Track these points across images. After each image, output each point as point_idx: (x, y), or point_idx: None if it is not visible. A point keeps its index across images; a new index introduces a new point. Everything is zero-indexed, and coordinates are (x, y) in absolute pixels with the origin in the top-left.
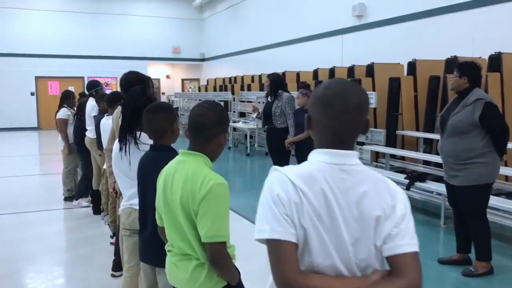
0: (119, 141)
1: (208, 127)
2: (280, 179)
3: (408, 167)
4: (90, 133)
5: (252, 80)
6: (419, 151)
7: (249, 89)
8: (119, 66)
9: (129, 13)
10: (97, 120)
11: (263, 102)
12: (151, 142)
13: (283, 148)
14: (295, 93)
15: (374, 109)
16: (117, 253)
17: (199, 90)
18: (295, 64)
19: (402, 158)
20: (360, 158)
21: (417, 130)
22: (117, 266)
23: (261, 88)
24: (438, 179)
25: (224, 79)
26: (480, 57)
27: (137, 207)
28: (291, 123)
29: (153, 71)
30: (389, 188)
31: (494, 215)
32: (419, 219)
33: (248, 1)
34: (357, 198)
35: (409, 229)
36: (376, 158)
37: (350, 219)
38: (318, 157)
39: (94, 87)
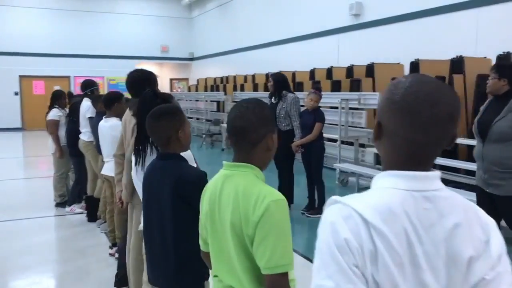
0: (135, 154)
1: (251, 130)
2: (347, 216)
3: None
4: (84, 136)
5: (245, 80)
6: None
7: (242, 89)
8: (106, 66)
9: (116, 11)
10: (95, 122)
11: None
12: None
13: (288, 152)
14: (299, 94)
15: (375, 110)
16: (121, 266)
17: (189, 90)
18: (290, 64)
19: None
20: (362, 161)
21: None
22: (120, 281)
23: (255, 88)
24: (457, 185)
25: (215, 79)
26: (485, 57)
27: None
28: (297, 125)
29: None
30: (480, 218)
31: None
32: None
33: (239, 0)
34: (446, 234)
35: (507, 272)
36: (379, 161)
37: (437, 262)
38: (392, 182)
39: (89, 86)
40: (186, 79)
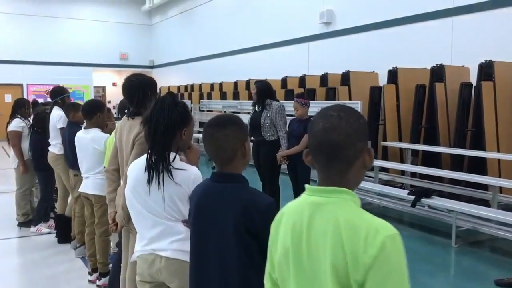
0: (147, 170)
1: (346, 145)
2: None
3: (396, 180)
4: (54, 148)
5: (212, 88)
6: (406, 162)
7: (209, 97)
8: (61, 73)
9: (72, 16)
10: (68, 133)
11: (249, 112)
12: (188, 166)
13: (273, 163)
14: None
15: None
16: None
17: None
18: (259, 72)
19: (385, 169)
20: None
21: (400, 140)
22: None
23: (223, 97)
24: (441, 194)
25: (179, 87)
26: (463, 66)
27: (164, 254)
28: (282, 134)
29: (98, 78)
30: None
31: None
32: (428, 239)
33: (203, 7)
34: None
35: None
36: None
37: None
38: None
39: (59, 94)
40: None
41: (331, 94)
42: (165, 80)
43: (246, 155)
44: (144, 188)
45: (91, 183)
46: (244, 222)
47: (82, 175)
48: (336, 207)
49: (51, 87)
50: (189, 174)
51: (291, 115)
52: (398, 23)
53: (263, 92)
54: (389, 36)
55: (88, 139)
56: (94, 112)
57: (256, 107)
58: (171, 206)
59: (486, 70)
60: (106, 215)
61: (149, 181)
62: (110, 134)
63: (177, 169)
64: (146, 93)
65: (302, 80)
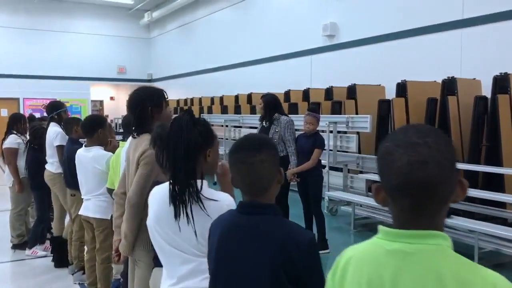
0: (172, 202)
1: (442, 182)
2: None
3: None
4: (51, 167)
5: (212, 102)
6: None
7: (209, 111)
8: (58, 87)
9: (69, 30)
10: (67, 150)
11: (251, 127)
12: (219, 195)
13: (285, 180)
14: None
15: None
16: None
17: None
18: (260, 85)
19: None
20: (351, 187)
21: None
22: None
23: (224, 111)
24: (454, 212)
25: (178, 101)
26: (474, 78)
27: None
28: (292, 151)
29: (96, 92)
30: None
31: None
32: None
33: (202, 20)
34: None
35: None
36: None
37: None
38: None
39: (55, 108)
40: None
41: (337, 107)
42: None
43: (281, 181)
44: (169, 223)
45: (92, 206)
46: (283, 263)
47: (82, 197)
48: (435, 257)
49: (48, 101)
50: (221, 205)
51: (297, 130)
52: (404, 36)
53: (270, 105)
54: (394, 48)
55: (89, 158)
56: (95, 129)
57: (264, 122)
58: (202, 242)
59: (501, 83)
60: (109, 240)
61: (177, 215)
62: (114, 152)
63: (208, 199)
64: (145, 107)
65: (305, 93)
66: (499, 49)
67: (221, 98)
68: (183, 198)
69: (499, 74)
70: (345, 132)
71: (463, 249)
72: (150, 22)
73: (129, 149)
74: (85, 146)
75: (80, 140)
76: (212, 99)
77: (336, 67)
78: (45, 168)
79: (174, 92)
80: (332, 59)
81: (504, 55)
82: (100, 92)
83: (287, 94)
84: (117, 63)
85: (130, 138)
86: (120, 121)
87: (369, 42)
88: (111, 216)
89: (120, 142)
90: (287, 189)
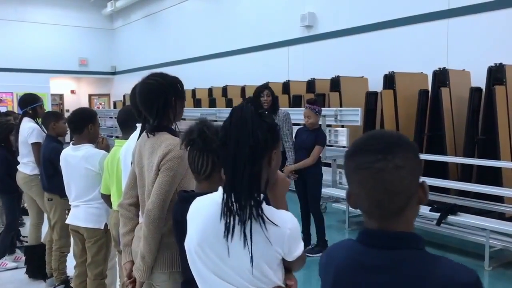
0: (225, 218)
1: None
2: None
3: None
4: (26, 168)
5: None
6: None
7: None
8: (15, 80)
9: (27, 19)
10: (44, 148)
11: None
12: (279, 215)
13: None
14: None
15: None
16: None
17: (115, 106)
18: (234, 78)
19: None
20: (340, 183)
21: None
22: None
23: (197, 104)
24: (467, 210)
25: None
26: (464, 69)
27: None
28: (289, 146)
29: (55, 85)
30: None
31: None
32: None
33: (170, 10)
34: None
35: None
36: None
37: None
38: None
39: (30, 103)
40: (108, 95)
41: (320, 100)
42: (129, 87)
43: (423, 200)
44: (217, 246)
45: (83, 213)
46: None
47: (70, 203)
48: None
49: (2, 95)
50: (283, 233)
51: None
52: (386, 26)
53: (274, 96)
54: (376, 39)
55: (79, 157)
56: (85, 124)
57: None
58: (258, 276)
59: (496, 74)
60: (102, 252)
61: (229, 234)
62: (108, 151)
63: (268, 220)
64: (169, 99)
65: (285, 86)
66: (486, 39)
67: (193, 91)
68: (244, 214)
69: (493, 65)
70: (329, 126)
71: (470, 247)
72: (114, 12)
73: (142, 151)
74: (73, 144)
75: (59, 138)
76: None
77: (314, 59)
78: (15, 169)
79: None
80: (310, 51)
81: (492, 45)
82: (60, 85)
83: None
84: (79, 55)
85: (142, 137)
86: None
87: (349, 33)
88: (105, 225)
89: (116, 140)
90: None
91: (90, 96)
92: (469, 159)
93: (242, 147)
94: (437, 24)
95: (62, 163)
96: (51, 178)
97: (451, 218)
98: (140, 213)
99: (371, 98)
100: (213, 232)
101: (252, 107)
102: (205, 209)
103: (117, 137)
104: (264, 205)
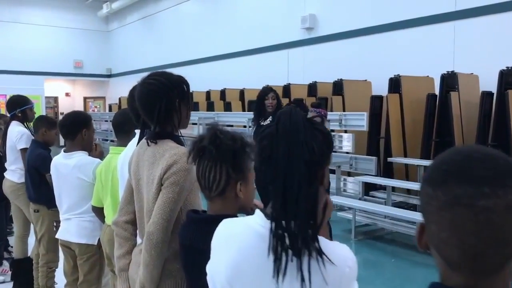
0: (274, 251)
1: None
2: None
3: (410, 201)
4: (13, 175)
5: None
6: (418, 181)
7: None
8: (9, 82)
9: (21, 20)
10: (29, 155)
11: (249, 126)
12: (334, 249)
13: None
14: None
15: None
16: None
17: (110, 110)
18: (233, 81)
19: (382, 188)
20: (344, 191)
21: (405, 156)
22: None
23: (194, 108)
24: None
25: None
26: (472, 73)
27: None
28: None
29: (50, 88)
30: None
31: None
32: None
33: (166, 12)
34: None
35: None
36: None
37: None
38: None
39: (19, 105)
40: (103, 98)
41: (323, 104)
42: (125, 90)
43: None
44: (255, 284)
45: (75, 228)
46: None
47: (61, 216)
48: None
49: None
50: (342, 270)
51: None
52: (390, 29)
53: (279, 100)
54: (379, 42)
55: (71, 166)
56: (78, 129)
57: (267, 120)
58: None
59: (508, 78)
60: (95, 270)
61: (279, 274)
62: (101, 159)
63: (331, 264)
64: (172, 101)
65: (286, 89)
66: (494, 42)
67: (191, 94)
68: (298, 246)
69: (505, 69)
70: (332, 131)
71: None
72: (109, 14)
73: (139, 160)
74: (65, 151)
75: (49, 145)
76: None
77: (315, 62)
78: (3, 177)
79: None
80: (311, 54)
81: (500, 49)
82: (54, 87)
83: None
84: (74, 57)
85: (140, 145)
86: None
87: (351, 35)
88: (99, 240)
89: (112, 147)
90: None
91: (85, 99)
92: None
93: (295, 162)
94: (443, 26)
95: (52, 172)
96: (38, 187)
97: None
98: (138, 232)
99: (376, 102)
100: (250, 268)
101: (302, 112)
102: (240, 239)
103: (112, 141)
104: (319, 238)
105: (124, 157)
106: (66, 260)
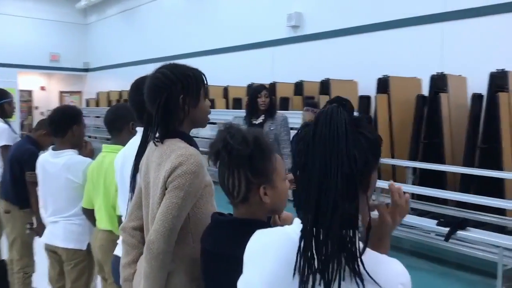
0: (303, 267)
1: None
2: None
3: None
4: None
5: None
6: (407, 182)
7: None
8: None
9: None
10: (16, 149)
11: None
12: (381, 266)
13: None
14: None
15: None
16: None
17: (88, 105)
18: (217, 78)
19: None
20: None
21: (392, 157)
22: None
23: None
24: (476, 225)
25: (121, 93)
26: (460, 75)
27: None
28: (288, 152)
29: (24, 81)
30: None
31: None
32: (467, 279)
33: (147, 6)
34: None
35: None
36: None
37: None
38: None
39: None
40: (80, 92)
41: (318, 104)
42: (104, 84)
43: None
44: None
45: (62, 231)
46: None
47: (46, 219)
48: None
49: None
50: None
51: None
52: (377, 29)
53: (272, 97)
54: (366, 42)
55: (60, 165)
56: (68, 125)
57: (260, 119)
58: None
59: (499, 80)
60: (84, 277)
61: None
62: (92, 157)
63: (368, 276)
64: (175, 95)
65: (272, 87)
66: (482, 44)
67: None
68: (329, 270)
69: (495, 71)
70: None
71: (481, 264)
72: (88, 6)
73: (150, 162)
74: (53, 149)
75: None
76: None
77: (301, 61)
78: None
79: (115, 83)
80: (297, 52)
81: (488, 51)
82: (29, 81)
83: (250, 87)
84: (50, 50)
85: (150, 146)
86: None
87: (338, 35)
88: (88, 245)
89: (105, 145)
90: None
91: (61, 93)
92: (471, 169)
93: (332, 174)
94: (431, 27)
95: (39, 171)
96: (15, 184)
97: (461, 233)
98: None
99: (364, 103)
100: (287, 281)
101: (346, 113)
102: (276, 247)
103: (90, 137)
104: (367, 254)
105: (123, 156)
106: (52, 265)
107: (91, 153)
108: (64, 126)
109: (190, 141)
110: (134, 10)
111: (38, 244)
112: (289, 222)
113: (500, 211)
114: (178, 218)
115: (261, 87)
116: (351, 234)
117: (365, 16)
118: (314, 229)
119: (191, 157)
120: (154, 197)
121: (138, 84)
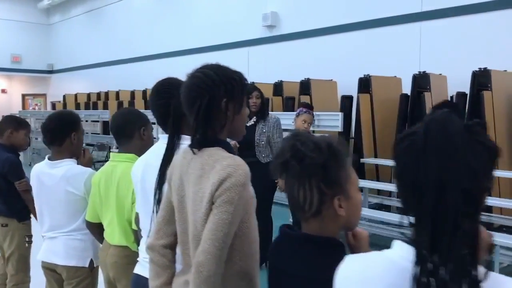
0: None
1: None
2: None
3: (384, 202)
4: None
5: (133, 96)
6: (392, 182)
7: (131, 106)
8: None
9: None
10: (1, 161)
11: None
12: None
13: (270, 191)
14: None
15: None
16: None
17: (54, 108)
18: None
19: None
20: None
21: (375, 156)
22: None
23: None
24: None
25: (89, 95)
26: (440, 74)
27: None
28: None
29: None
30: None
31: None
32: None
33: (114, 6)
34: None
35: None
36: None
37: None
38: None
39: None
40: (44, 95)
41: (289, 104)
42: (69, 87)
43: None
44: None
45: (62, 248)
46: None
47: (43, 234)
48: None
49: None
50: None
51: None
52: (354, 28)
53: (264, 100)
54: (342, 42)
55: (59, 177)
56: (66, 133)
57: (251, 121)
58: None
59: (481, 79)
60: None
61: None
62: (90, 166)
63: None
64: (217, 100)
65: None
66: (460, 44)
67: (144, 92)
68: None
69: (478, 70)
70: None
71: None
72: (51, 6)
73: (184, 173)
74: (49, 158)
75: (17, 150)
76: (133, 92)
77: (278, 61)
78: None
79: (81, 85)
80: (273, 52)
81: (466, 50)
82: None
83: None
84: (11, 51)
85: (182, 154)
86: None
87: (315, 35)
88: (91, 262)
89: (113, 154)
90: (270, 201)
91: (23, 96)
92: None
93: (450, 193)
94: (409, 27)
95: (34, 184)
96: (5, 197)
97: None
98: (181, 259)
99: (347, 102)
100: None
101: (459, 120)
102: (381, 277)
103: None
104: (490, 278)
105: (143, 166)
106: (50, 285)
107: (90, 162)
108: (61, 134)
109: (230, 149)
110: (100, 10)
111: (33, 261)
112: (365, 241)
113: (488, 209)
114: (228, 235)
115: (252, 88)
116: (472, 258)
117: (341, 15)
118: (432, 251)
119: (239, 168)
120: (197, 214)
121: (159, 88)
